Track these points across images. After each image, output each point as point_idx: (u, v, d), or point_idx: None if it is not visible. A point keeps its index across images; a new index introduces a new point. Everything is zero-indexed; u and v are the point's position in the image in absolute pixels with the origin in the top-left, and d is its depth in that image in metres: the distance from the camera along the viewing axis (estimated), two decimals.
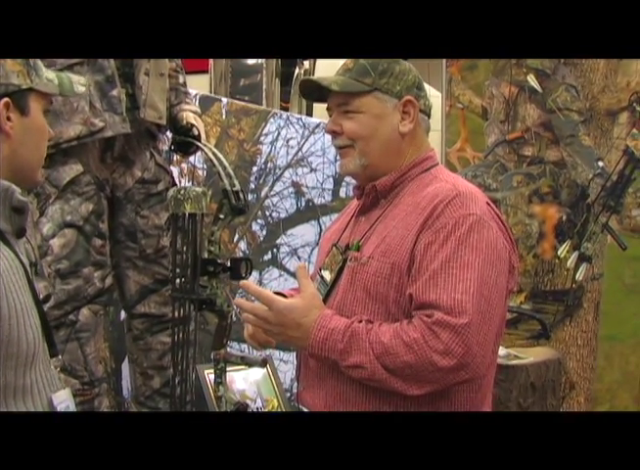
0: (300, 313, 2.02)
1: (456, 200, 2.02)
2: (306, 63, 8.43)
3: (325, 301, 2.13)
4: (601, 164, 3.49)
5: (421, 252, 1.99)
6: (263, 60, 7.43)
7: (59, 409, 1.63)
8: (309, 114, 6.40)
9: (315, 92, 2.18)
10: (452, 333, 1.90)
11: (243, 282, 2.11)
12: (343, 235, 2.23)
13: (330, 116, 2.19)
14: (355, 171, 2.17)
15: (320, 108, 6.04)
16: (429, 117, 2.20)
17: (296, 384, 3.50)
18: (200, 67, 6.27)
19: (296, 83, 8.79)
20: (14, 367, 1.53)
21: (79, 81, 1.73)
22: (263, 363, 2.25)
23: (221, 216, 2.33)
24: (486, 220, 2.01)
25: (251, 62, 7.35)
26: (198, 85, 4.65)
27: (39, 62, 1.65)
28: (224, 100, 4.00)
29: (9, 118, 1.59)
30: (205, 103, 3.82)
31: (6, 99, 1.58)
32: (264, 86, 7.65)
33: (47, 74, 1.66)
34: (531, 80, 3.53)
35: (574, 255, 3.52)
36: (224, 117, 3.85)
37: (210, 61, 6.96)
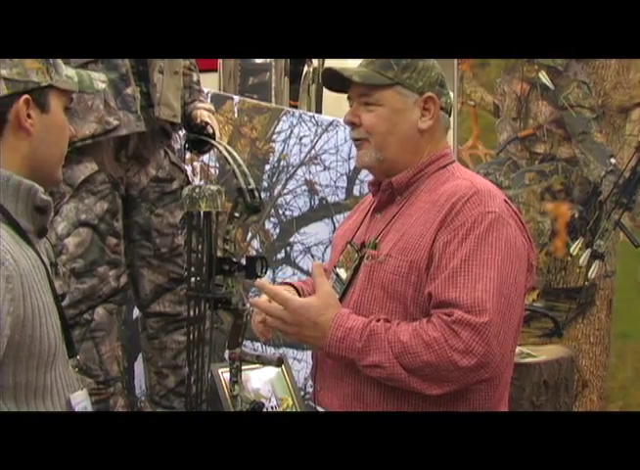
0: (316, 312, 1.99)
1: (474, 197, 2.00)
2: (315, 61, 8.42)
3: (341, 299, 2.11)
4: (613, 160, 3.46)
5: (440, 250, 1.97)
6: (272, 59, 7.43)
7: (77, 410, 1.63)
8: (319, 112, 6.40)
9: (337, 82, 2.17)
10: (473, 332, 1.88)
11: (258, 281, 2.09)
12: (358, 232, 2.21)
13: (350, 105, 2.17)
14: (371, 165, 2.15)
15: (329, 106, 6.04)
16: (449, 115, 2.18)
17: (309, 383, 3.52)
18: (209, 65, 6.27)
19: (304, 82, 8.80)
20: (35, 367, 1.53)
21: (99, 78, 1.72)
22: (279, 362, 2.25)
23: (236, 215, 2.32)
24: (505, 218, 1.99)
25: (259, 60, 7.34)
26: (207, 84, 4.63)
27: (59, 59, 1.65)
28: (236, 98, 4.00)
29: (29, 116, 1.58)
30: (217, 101, 3.80)
31: (26, 96, 1.57)
32: (273, 85, 7.66)
33: (67, 72, 1.65)
34: (543, 77, 3.50)
35: (587, 252, 3.50)
36: (236, 115, 3.84)
37: (219, 59, 6.96)
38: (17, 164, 1.58)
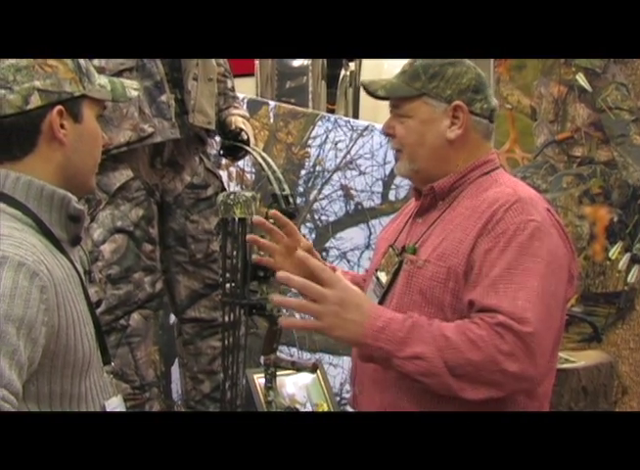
0: (363, 297, 1.92)
1: (517, 205, 1.97)
2: (352, 64, 8.41)
3: (381, 303, 2.09)
4: None
5: (480, 257, 1.94)
6: (309, 62, 7.44)
7: None
8: (356, 116, 6.40)
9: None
10: (516, 338, 1.84)
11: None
12: (400, 236, 2.19)
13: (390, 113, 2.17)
14: (407, 175, 2.16)
15: (367, 110, 6.03)
16: (491, 120, 2.13)
17: (345, 388, 3.51)
18: (246, 70, 6.28)
19: (341, 85, 8.79)
20: (70, 376, 1.53)
21: (132, 86, 1.72)
22: (314, 368, 2.25)
23: (271, 221, 2.27)
24: (547, 227, 1.96)
25: (296, 64, 7.36)
26: (244, 88, 4.64)
27: (91, 68, 1.65)
28: (272, 103, 4.00)
29: (62, 126, 1.58)
30: (253, 106, 3.81)
31: (59, 107, 1.57)
32: (310, 88, 7.66)
33: (99, 80, 1.65)
34: (581, 79, 3.47)
35: (626, 256, 3.45)
36: (272, 120, 3.84)
37: (256, 64, 6.97)
38: (50, 173, 1.58)
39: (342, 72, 8.71)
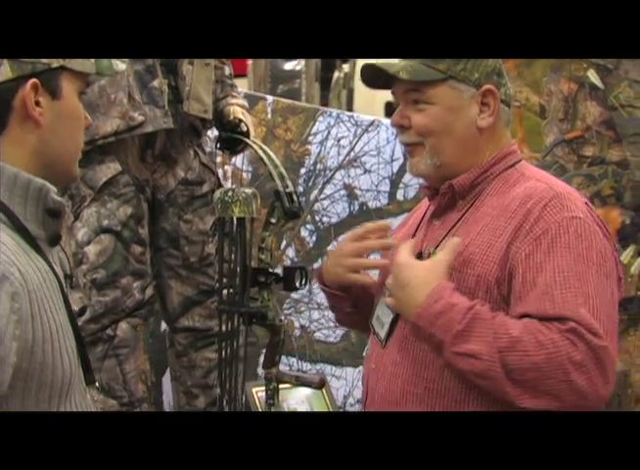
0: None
1: (554, 201, 1.80)
2: (346, 66, 8.40)
3: (395, 319, 1.91)
4: None
5: (522, 264, 1.76)
6: (302, 65, 7.51)
7: None
8: None
9: (379, 78, 1.97)
10: (588, 348, 1.66)
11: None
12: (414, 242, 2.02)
13: (394, 105, 1.99)
14: (427, 173, 1.94)
15: (360, 111, 5.94)
16: (509, 107, 1.98)
17: (349, 401, 3.39)
18: (238, 70, 6.29)
19: (335, 87, 8.77)
20: (47, 399, 1.35)
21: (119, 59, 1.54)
22: (321, 384, 2.15)
23: (273, 221, 2.21)
24: (591, 224, 1.79)
25: (289, 67, 7.48)
26: None
27: None
28: (269, 98, 3.91)
29: (38, 103, 1.40)
30: (250, 101, 3.70)
31: (34, 80, 1.39)
32: (304, 90, 7.76)
33: None
34: (592, 76, 3.38)
35: (639, 261, 3.33)
36: (270, 116, 3.74)
37: (249, 64, 6.99)
38: (25, 159, 1.40)
39: (336, 75, 8.69)
